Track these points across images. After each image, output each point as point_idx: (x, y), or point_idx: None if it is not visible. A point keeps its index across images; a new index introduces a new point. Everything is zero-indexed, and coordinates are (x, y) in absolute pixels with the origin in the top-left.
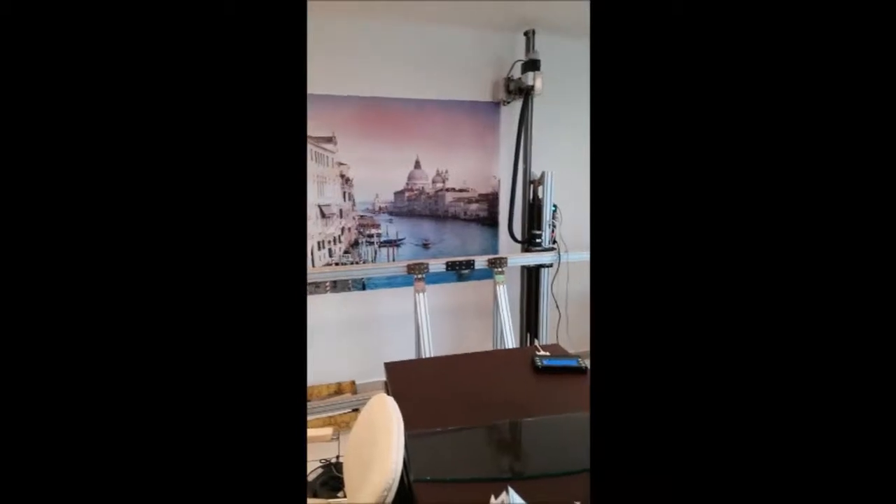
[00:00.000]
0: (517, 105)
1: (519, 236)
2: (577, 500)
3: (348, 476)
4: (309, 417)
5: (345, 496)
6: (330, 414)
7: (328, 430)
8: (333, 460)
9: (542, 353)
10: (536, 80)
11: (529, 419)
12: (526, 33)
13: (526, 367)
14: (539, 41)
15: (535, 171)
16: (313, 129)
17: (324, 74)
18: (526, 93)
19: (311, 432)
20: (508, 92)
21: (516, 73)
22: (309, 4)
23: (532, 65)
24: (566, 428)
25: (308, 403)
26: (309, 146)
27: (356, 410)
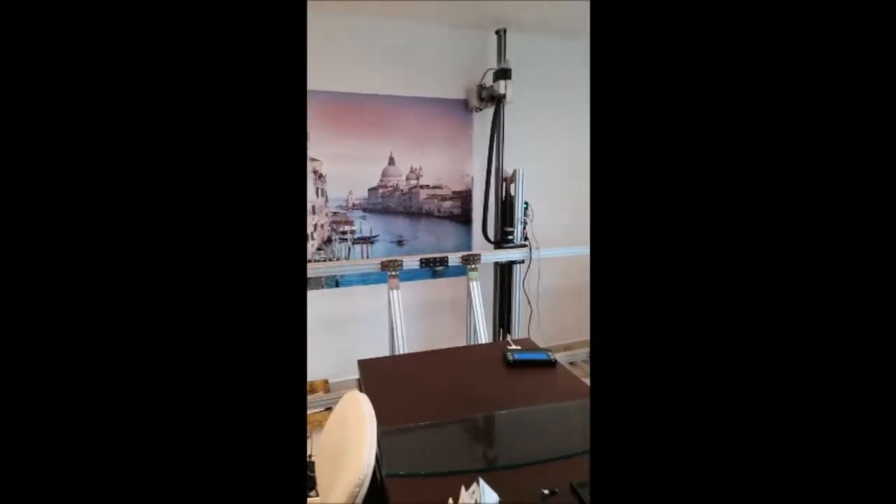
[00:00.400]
0: (489, 111)
1: (492, 236)
2: (544, 489)
3: (320, 475)
4: None
5: (317, 495)
6: None
7: None
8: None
9: (513, 347)
10: (508, 89)
11: (501, 412)
12: (497, 32)
13: (498, 362)
14: (511, 39)
15: (508, 169)
16: None
17: None
18: (497, 101)
19: None
20: (481, 99)
21: (488, 81)
22: None
23: (503, 73)
24: (537, 419)
25: None
26: None
27: (329, 409)
